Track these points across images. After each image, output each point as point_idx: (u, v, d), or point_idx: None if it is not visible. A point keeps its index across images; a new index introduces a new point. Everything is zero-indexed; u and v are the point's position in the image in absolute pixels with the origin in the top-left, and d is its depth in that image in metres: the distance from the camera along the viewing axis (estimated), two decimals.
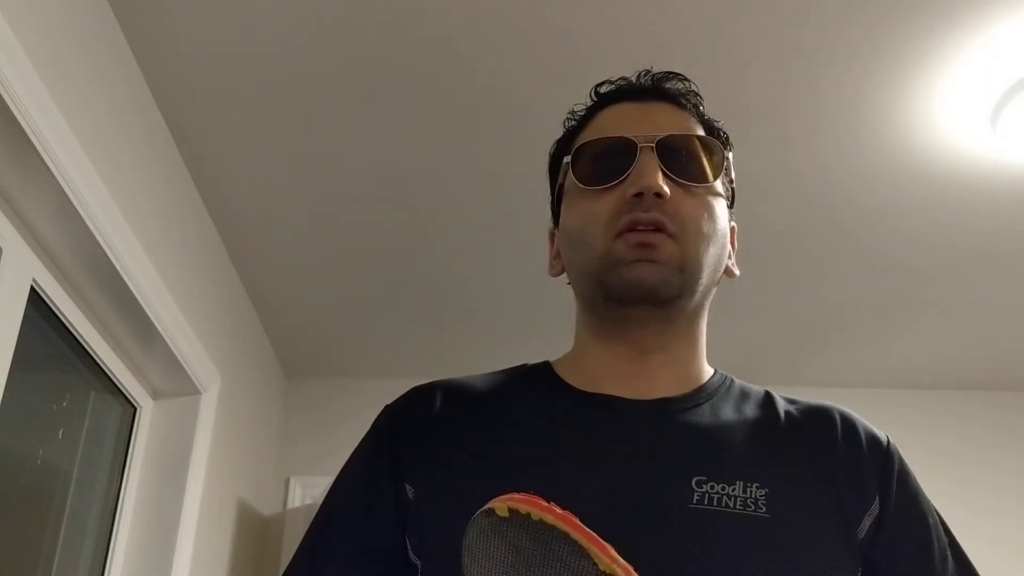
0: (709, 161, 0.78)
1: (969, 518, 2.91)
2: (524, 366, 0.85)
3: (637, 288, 0.73)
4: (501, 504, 0.63)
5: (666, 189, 0.73)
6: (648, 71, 0.84)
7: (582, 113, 0.86)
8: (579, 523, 0.60)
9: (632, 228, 0.73)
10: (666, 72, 0.83)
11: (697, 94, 0.84)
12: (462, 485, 0.71)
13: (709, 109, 0.86)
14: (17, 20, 1.23)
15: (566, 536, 0.60)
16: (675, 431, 0.74)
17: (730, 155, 0.81)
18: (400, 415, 0.81)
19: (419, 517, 0.72)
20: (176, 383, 2.05)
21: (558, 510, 0.61)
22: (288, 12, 1.55)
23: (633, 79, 0.84)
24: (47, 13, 1.35)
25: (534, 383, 0.81)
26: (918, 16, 1.55)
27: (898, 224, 2.17)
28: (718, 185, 0.79)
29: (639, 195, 0.73)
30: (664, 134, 0.76)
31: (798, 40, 1.61)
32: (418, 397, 0.82)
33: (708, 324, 0.83)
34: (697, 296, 0.77)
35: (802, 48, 1.63)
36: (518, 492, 0.63)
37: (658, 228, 0.73)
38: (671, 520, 0.66)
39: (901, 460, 0.77)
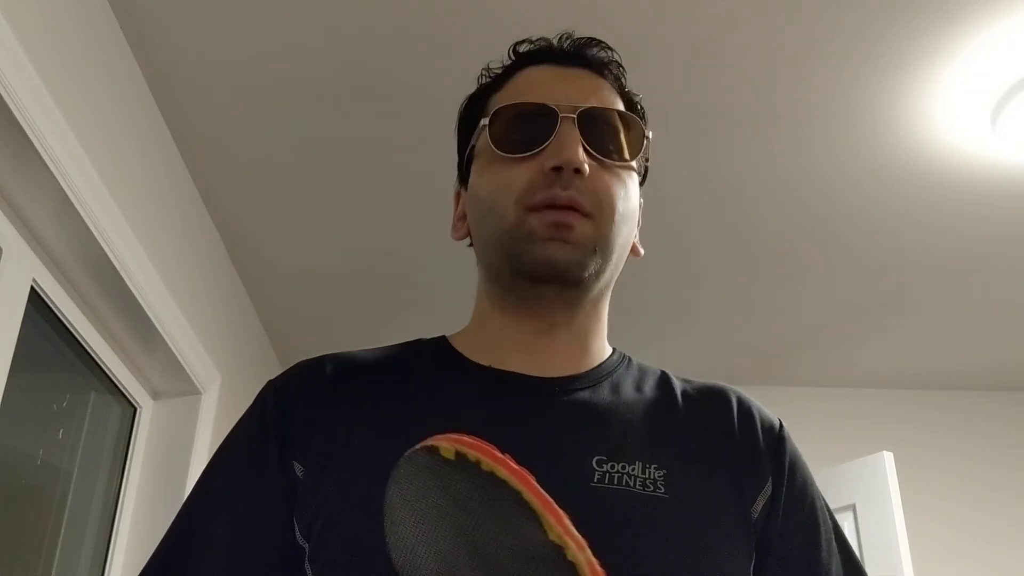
0: (628, 137, 0.76)
1: (963, 514, 2.92)
2: (419, 341, 0.82)
3: (549, 267, 0.71)
4: (448, 444, 0.55)
5: (586, 166, 0.71)
6: (569, 35, 0.81)
7: (499, 71, 0.82)
8: (535, 484, 0.53)
9: (548, 205, 0.71)
10: (588, 38, 0.81)
11: (620, 65, 0.81)
12: (358, 459, 0.68)
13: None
14: (18, 21, 1.23)
15: (517, 496, 0.52)
16: (576, 410, 0.73)
17: (649, 134, 0.80)
18: (286, 390, 0.76)
19: (310, 496, 0.68)
20: (176, 383, 2.05)
21: (513, 465, 0.53)
22: (288, 15, 1.55)
23: (555, 42, 0.81)
24: (48, 14, 1.35)
25: (431, 358, 0.78)
26: (917, 16, 1.55)
27: (892, 225, 2.17)
28: (634, 162, 0.78)
29: (557, 168, 0.70)
30: (586, 105, 0.74)
31: (789, 38, 1.61)
32: (306, 370, 0.78)
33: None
34: (606, 276, 0.75)
35: (794, 46, 1.63)
36: (468, 435, 0.55)
37: (574, 207, 0.71)
38: (573, 499, 0.63)
39: (793, 445, 0.78)
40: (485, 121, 0.76)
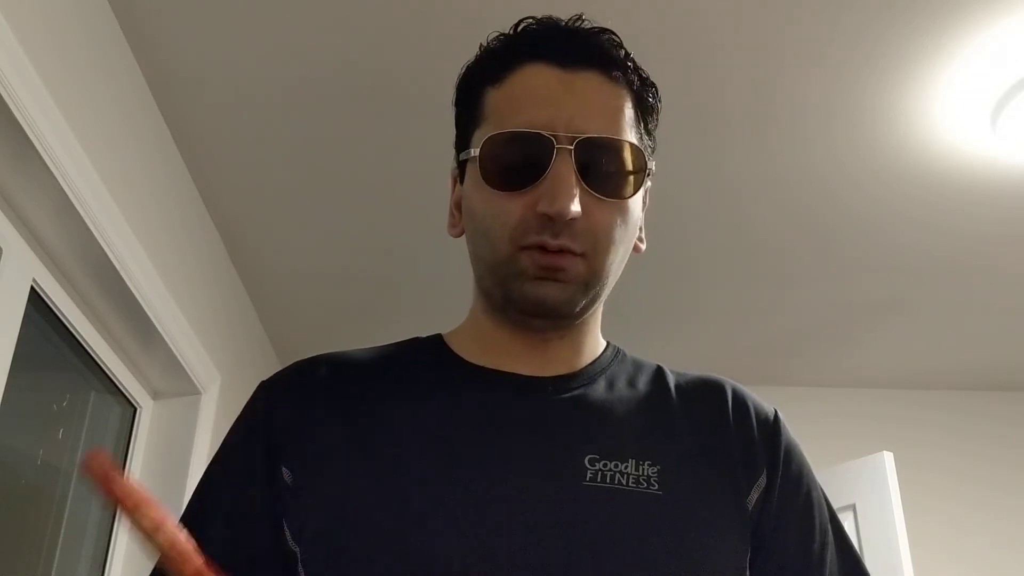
0: (632, 167, 0.71)
1: (963, 514, 2.92)
2: (416, 339, 0.82)
3: (539, 306, 0.71)
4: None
5: (579, 210, 0.67)
6: (579, 17, 0.75)
7: (496, 45, 0.77)
8: (111, 479, 0.51)
9: (540, 247, 0.68)
10: (596, 31, 0.75)
11: (628, 60, 0.75)
12: (348, 461, 0.68)
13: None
14: (19, 21, 1.23)
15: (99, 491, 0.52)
16: (570, 408, 0.73)
17: (652, 165, 0.75)
18: (276, 392, 0.75)
19: (299, 500, 0.68)
20: (176, 383, 2.05)
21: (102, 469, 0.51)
22: (288, 16, 1.55)
23: (561, 24, 0.75)
24: (49, 15, 1.35)
25: (427, 358, 0.78)
26: (917, 16, 1.55)
27: (892, 225, 2.17)
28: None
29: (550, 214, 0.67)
30: (584, 135, 0.69)
31: (789, 38, 1.61)
32: (297, 372, 0.77)
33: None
34: (600, 300, 0.75)
35: (794, 46, 1.63)
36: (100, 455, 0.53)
37: (566, 250, 0.69)
38: (565, 499, 0.65)
39: (788, 435, 0.78)
40: (475, 152, 0.72)
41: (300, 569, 0.68)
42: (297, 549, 0.68)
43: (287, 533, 0.69)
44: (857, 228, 2.19)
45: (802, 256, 2.32)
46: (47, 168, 1.32)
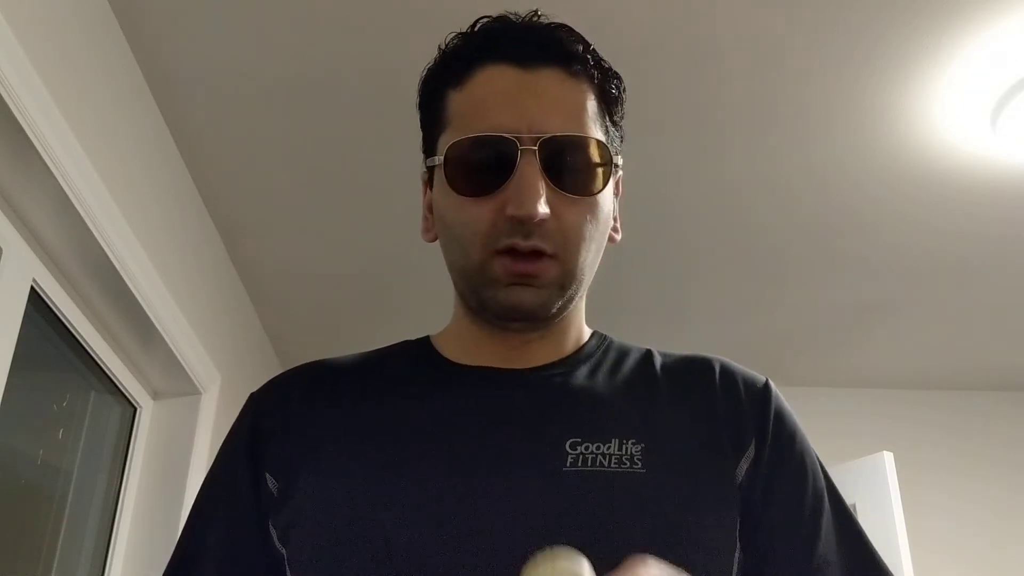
0: (599, 162, 0.71)
1: (963, 513, 2.92)
2: (405, 342, 0.83)
3: (514, 311, 0.71)
4: None
5: (547, 211, 0.67)
6: (535, 14, 0.75)
7: (456, 41, 0.77)
8: None
9: (511, 250, 0.68)
10: (551, 28, 0.74)
11: (588, 53, 0.74)
12: (332, 463, 0.69)
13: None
14: (18, 21, 1.23)
15: None
16: (551, 396, 0.73)
17: (619, 160, 0.75)
18: (263, 404, 0.77)
19: (284, 503, 0.69)
20: (176, 383, 2.05)
21: None
22: (287, 16, 1.55)
23: (518, 21, 0.74)
24: (48, 14, 1.35)
25: (413, 360, 0.79)
26: (917, 16, 1.55)
27: (892, 226, 2.17)
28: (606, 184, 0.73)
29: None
30: (548, 134, 0.68)
31: (789, 38, 1.61)
32: (284, 383, 0.79)
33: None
34: (577, 297, 0.75)
35: (793, 47, 1.63)
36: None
37: (538, 251, 0.68)
38: (546, 487, 0.65)
39: (780, 402, 0.76)
40: (440, 160, 0.72)
41: (288, 571, 0.69)
42: (284, 551, 0.69)
43: (274, 537, 0.70)
44: (857, 228, 2.19)
45: (802, 256, 2.32)
46: (47, 168, 1.32)
